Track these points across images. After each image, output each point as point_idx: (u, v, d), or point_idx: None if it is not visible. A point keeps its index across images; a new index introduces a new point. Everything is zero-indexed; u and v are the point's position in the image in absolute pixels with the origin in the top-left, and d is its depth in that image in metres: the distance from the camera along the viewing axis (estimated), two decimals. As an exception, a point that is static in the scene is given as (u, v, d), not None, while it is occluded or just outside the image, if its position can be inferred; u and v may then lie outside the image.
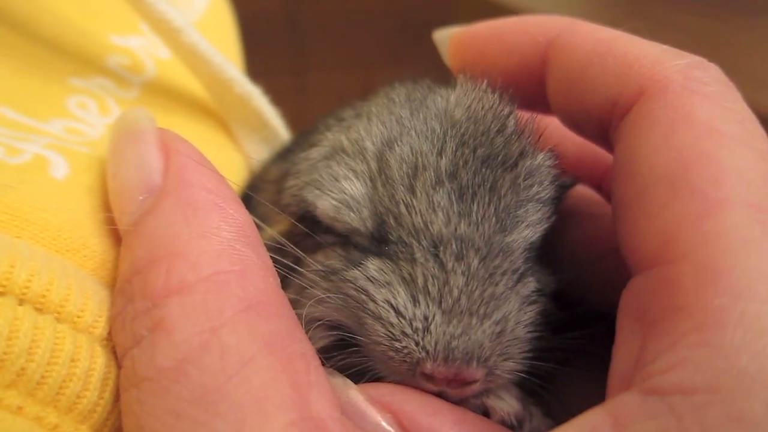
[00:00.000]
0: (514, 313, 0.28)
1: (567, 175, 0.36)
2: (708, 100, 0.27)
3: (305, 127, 0.41)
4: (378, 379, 0.29)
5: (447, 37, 0.39)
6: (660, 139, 0.27)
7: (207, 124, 0.41)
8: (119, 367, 0.25)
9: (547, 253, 0.34)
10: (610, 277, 0.30)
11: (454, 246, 0.27)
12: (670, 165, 0.26)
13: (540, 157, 0.31)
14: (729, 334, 0.22)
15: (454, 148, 0.29)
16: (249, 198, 0.38)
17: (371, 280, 0.28)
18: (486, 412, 0.29)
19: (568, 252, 0.36)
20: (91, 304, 0.25)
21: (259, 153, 0.42)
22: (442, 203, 0.28)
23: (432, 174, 0.28)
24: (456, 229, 0.28)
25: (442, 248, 0.27)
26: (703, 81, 0.28)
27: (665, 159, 0.26)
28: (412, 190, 0.28)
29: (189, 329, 0.23)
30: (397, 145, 0.30)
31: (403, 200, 0.28)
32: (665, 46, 0.30)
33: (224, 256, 0.25)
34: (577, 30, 0.32)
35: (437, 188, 0.28)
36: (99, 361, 0.25)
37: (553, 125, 0.36)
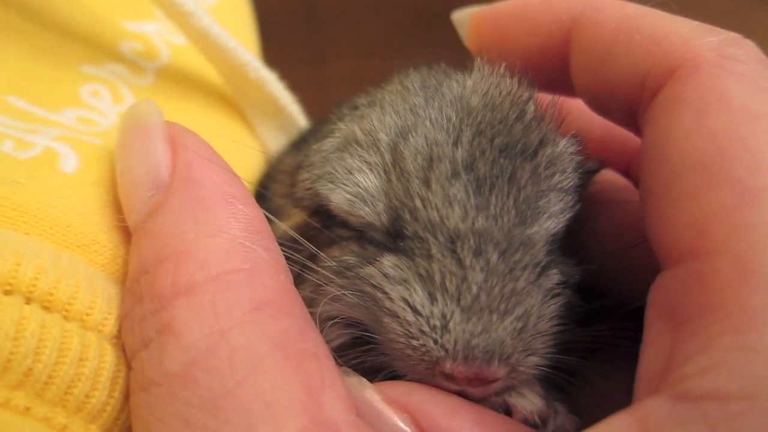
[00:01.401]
0: (537, 307, 0.27)
1: (592, 160, 0.34)
2: (744, 79, 0.25)
3: (324, 117, 0.40)
4: (395, 377, 0.28)
5: (466, 18, 0.37)
6: (692, 123, 0.25)
7: (222, 111, 0.40)
8: (129, 368, 0.25)
9: (571, 242, 0.32)
10: (639, 268, 0.29)
11: (471, 241, 0.26)
12: (704, 151, 0.24)
13: (562, 143, 0.30)
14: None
15: (470, 138, 0.28)
16: (265, 189, 0.37)
17: (387, 277, 0.27)
18: (508, 411, 0.28)
19: (595, 241, 0.34)
20: (99, 302, 0.25)
21: (276, 140, 0.41)
22: (458, 196, 0.27)
23: (448, 165, 0.27)
24: (473, 224, 0.26)
25: (459, 244, 0.26)
26: (738, 59, 0.26)
27: (698, 144, 0.24)
28: (427, 183, 0.27)
29: (197, 332, 0.23)
30: (411, 136, 0.28)
31: (418, 194, 0.27)
32: (696, 23, 0.28)
33: (233, 254, 0.24)
34: (602, 7, 0.30)
35: (453, 180, 0.27)
36: (108, 359, 0.24)
37: (577, 108, 0.34)
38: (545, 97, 0.32)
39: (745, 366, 0.20)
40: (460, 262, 0.26)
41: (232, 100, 0.41)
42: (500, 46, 0.35)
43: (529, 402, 0.28)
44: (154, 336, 0.23)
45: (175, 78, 0.39)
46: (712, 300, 0.22)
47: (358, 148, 0.30)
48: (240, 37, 0.42)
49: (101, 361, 0.24)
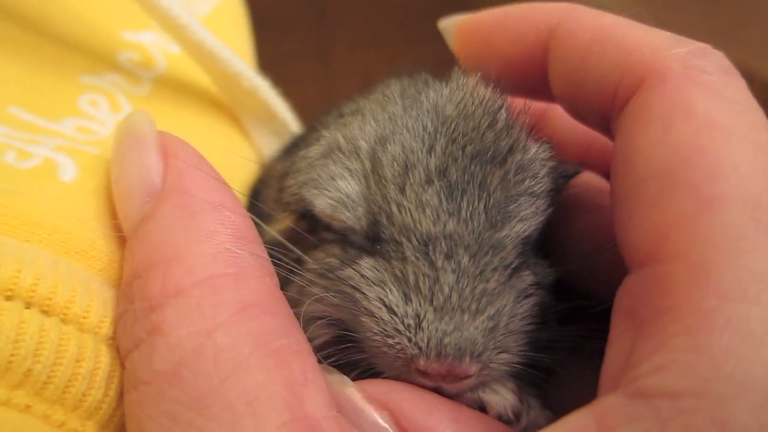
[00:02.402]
0: (509, 307, 0.29)
1: (569, 164, 0.35)
2: (708, 90, 0.26)
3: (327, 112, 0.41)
4: (376, 374, 0.30)
5: (452, 26, 0.38)
6: (657, 133, 0.26)
7: (218, 118, 0.41)
8: (122, 367, 0.26)
9: (547, 244, 0.33)
10: (615, 269, 0.30)
11: (443, 244, 0.28)
12: (667, 160, 0.25)
13: (533, 149, 0.31)
14: (716, 337, 0.21)
15: (443, 146, 0.29)
16: (258, 193, 0.39)
17: (365, 279, 0.29)
18: (483, 407, 0.29)
19: (575, 242, 0.36)
20: (95, 305, 0.26)
21: (270, 145, 0.43)
22: (431, 202, 0.28)
23: (422, 172, 0.29)
24: (445, 228, 0.28)
25: (431, 247, 0.28)
26: (703, 70, 0.27)
27: (662, 154, 0.26)
28: (402, 189, 0.29)
29: (184, 332, 0.24)
30: (389, 144, 0.30)
31: (394, 199, 0.29)
32: (668, 34, 0.29)
33: (220, 259, 0.26)
34: (578, 17, 0.31)
35: (426, 187, 0.28)
36: (104, 360, 0.26)
37: (560, 112, 0.36)
38: (520, 104, 0.33)
39: (695, 366, 0.21)
40: (432, 265, 0.28)
41: (227, 107, 0.42)
42: (483, 54, 0.36)
43: (502, 398, 0.29)
44: (144, 337, 0.25)
45: (172, 86, 0.40)
46: (667, 303, 0.23)
47: (341, 155, 0.31)
48: (234, 44, 0.44)
49: (97, 362, 0.25)
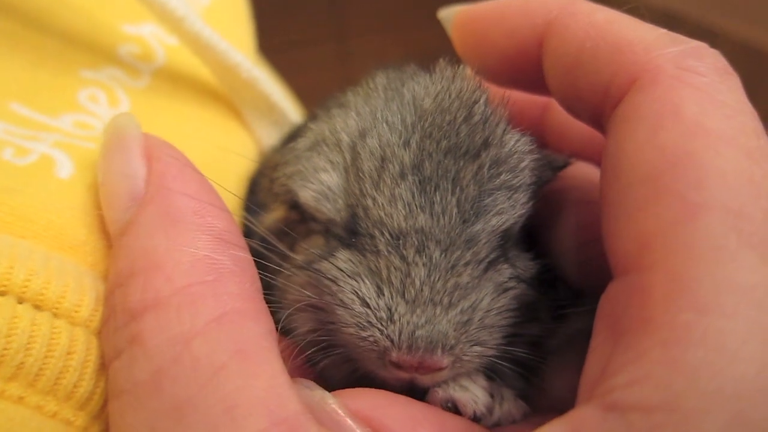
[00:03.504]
0: (485, 301, 0.29)
1: (559, 155, 0.35)
2: (698, 92, 0.26)
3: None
4: (357, 369, 0.30)
5: (451, 16, 0.38)
6: (645, 136, 0.26)
7: (218, 109, 0.41)
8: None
9: (536, 237, 0.33)
10: (600, 265, 0.29)
11: (414, 239, 0.28)
12: (654, 164, 0.25)
13: (511, 143, 0.31)
14: (691, 352, 0.21)
15: (418, 140, 0.29)
16: (256, 184, 0.39)
17: (340, 271, 0.29)
18: (456, 406, 0.29)
19: (570, 237, 0.35)
20: (87, 300, 0.27)
21: (270, 136, 0.43)
22: (403, 196, 0.28)
23: (396, 167, 0.29)
24: (416, 222, 0.28)
25: (402, 241, 0.28)
26: (696, 70, 0.26)
27: (649, 158, 0.25)
28: (377, 183, 0.29)
29: (163, 342, 0.24)
30: (368, 138, 0.30)
31: (369, 193, 0.29)
32: (663, 31, 0.29)
33: (199, 266, 0.26)
34: (574, 12, 0.31)
35: (400, 181, 0.29)
36: (95, 352, 0.27)
37: None
38: (500, 96, 0.33)
39: (668, 380, 0.21)
40: (403, 258, 0.28)
41: (227, 98, 0.42)
42: (480, 46, 0.35)
43: (472, 394, 0.29)
44: (125, 346, 0.25)
45: (171, 79, 0.40)
46: (646, 314, 0.23)
47: (325, 148, 0.32)
48: (234, 36, 0.44)
49: (88, 354, 0.26)
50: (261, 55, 0.52)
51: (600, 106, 0.29)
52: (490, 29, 0.35)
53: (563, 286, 0.34)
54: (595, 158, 0.38)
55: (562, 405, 0.30)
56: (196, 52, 0.39)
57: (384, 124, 0.30)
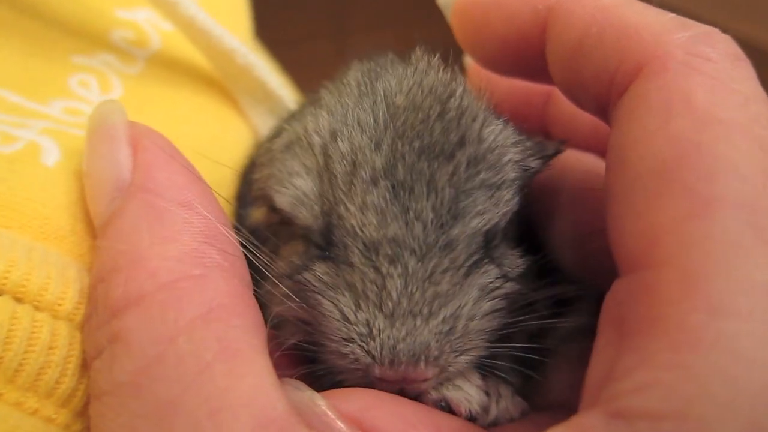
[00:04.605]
0: (467, 308, 0.28)
1: (550, 142, 0.33)
2: (710, 80, 0.24)
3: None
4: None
5: (451, 3, 0.37)
6: (654, 126, 0.24)
7: (212, 96, 0.41)
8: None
9: (531, 228, 0.32)
10: (600, 260, 0.28)
11: (387, 249, 0.27)
12: (663, 156, 0.24)
13: (491, 138, 0.29)
14: (703, 356, 0.20)
15: (390, 142, 0.28)
16: (247, 176, 0.38)
17: (321, 283, 0.28)
18: (449, 405, 0.28)
19: (564, 229, 0.34)
20: (71, 292, 0.26)
21: (266, 124, 0.42)
22: (375, 204, 0.27)
23: (368, 172, 0.27)
24: (388, 231, 0.27)
25: (374, 252, 0.27)
26: (707, 57, 0.25)
27: (658, 149, 0.24)
28: (349, 190, 0.28)
29: (146, 340, 0.23)
30: (339, 140, 0.28)
31: (342, 200, 0.28)
32: (672, 15, 0.27)
33: (185, 261, 0.25)
34: None
35: (372, 188, 0.27)
36: (78, 347, 0.26)
37: None
38: (478, 87, 0.31)
39: (678, 385, 0.20)
40: (377, 270, 0.27)
41: (222, 85, 0.41)
42: (480, 34, 0.34)
43: (465, 393, 0.28)
44: (106, 345, 0.24)
45: (166, 65, 0.39)
46: (654, 314, 0.21)
47: (298, 150, 0.30)
48: (230, 21, 0.43)
49: (71, 349, 0.25)
50: (260, 52, 0.51)
51: (605, 94, 0.28)
52: (491, 15, 0.34)
53: (566, 276, 0.33)
54: (600, 150, 0.37)
55: (562, 403, 0.29)
56: (190, 37, 0.38)
57: (356, 125, 0.29)
